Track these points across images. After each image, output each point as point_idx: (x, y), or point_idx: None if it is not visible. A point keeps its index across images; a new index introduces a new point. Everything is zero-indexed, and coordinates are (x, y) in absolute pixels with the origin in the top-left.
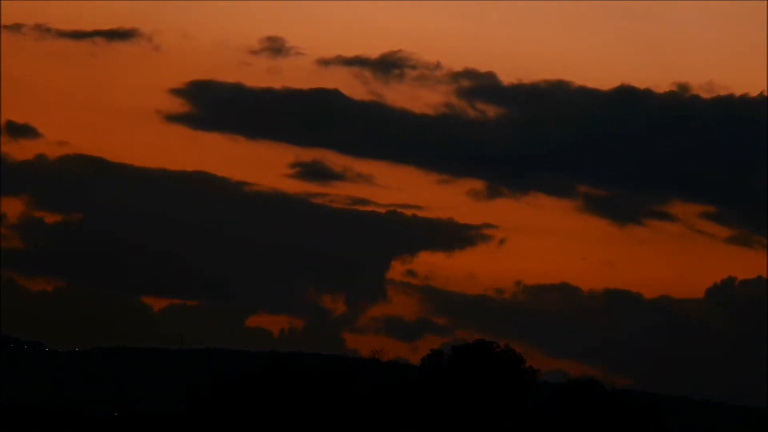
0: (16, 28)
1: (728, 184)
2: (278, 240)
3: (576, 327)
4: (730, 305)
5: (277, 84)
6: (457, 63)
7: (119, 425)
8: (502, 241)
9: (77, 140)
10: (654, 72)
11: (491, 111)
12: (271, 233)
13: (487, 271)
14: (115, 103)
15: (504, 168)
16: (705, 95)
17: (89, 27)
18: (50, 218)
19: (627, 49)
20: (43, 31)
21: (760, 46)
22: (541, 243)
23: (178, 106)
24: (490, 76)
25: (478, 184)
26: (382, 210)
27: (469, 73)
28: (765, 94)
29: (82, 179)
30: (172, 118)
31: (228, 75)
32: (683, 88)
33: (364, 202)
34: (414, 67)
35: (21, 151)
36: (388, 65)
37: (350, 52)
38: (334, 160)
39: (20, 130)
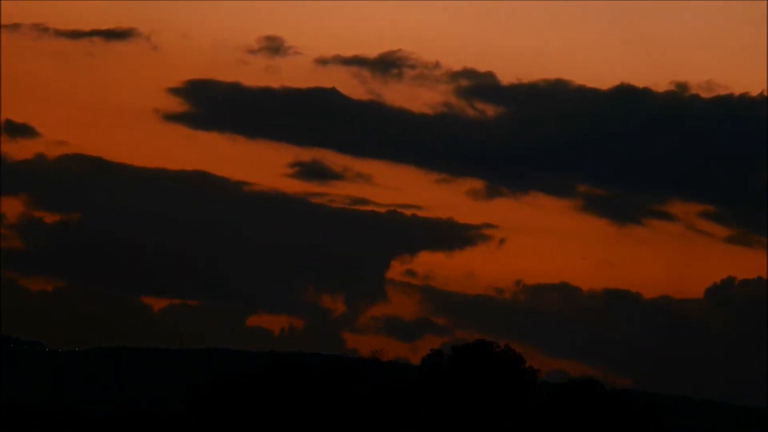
0: (15, 27)
1: (728, 184)
2: (278, 240)
3: (576, 327)
4: (730, 305)
5: (275, 83)
6: (456, 62)
7: (119, 425)
8: (502, 241)
9: (76, 140)
10: (653, 71)
11: (490, 110)
12: (271, 233)
13: (487, 271)
14: (113, 103)
15: (504, 167)
16: (704, 94)
17: (88, 27)
18: (50, 218)
19: (626, 49)
20: (41, 30)
21: (760, 46)
22: (540, 243)
23: (176, 105)
24: (490, 76)
25: (477, 184)
26: (382, 210)
27: (468, 73)
28: (765, 93)
29: (82, 179)
30: (171, 118)
31: (226, 74)
32: (682, 87)
33: (363, 201)
34: (413, 67)
35: (20, 150)
36: (387, 65)
37: (349, 52)
38: (333, 159)
39: (19, 130)
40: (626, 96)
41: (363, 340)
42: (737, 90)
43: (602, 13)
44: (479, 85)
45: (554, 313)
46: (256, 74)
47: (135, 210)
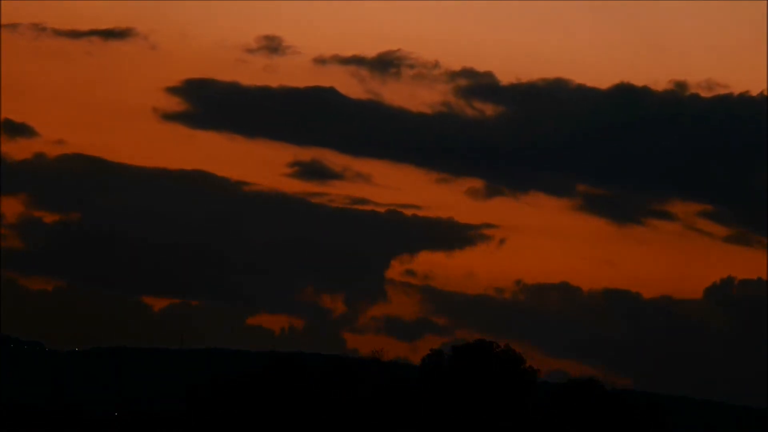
0: (13, 27)
1: (727, 183)
2: (278, 240)
3: (576, 327)
4: (730, 305)
5: (273, 83)
6: (455, 62)
7: (119, 425)
8: (502, 241)
9: (75, 139)
10: (653, 70)
11: (489, 110)
12: (271, 233)
13: (487, 271)
14: (112, 102)
15: (503, 167)
16: (704, 94)
17: (86, 26)
18: (49, 218)
19: (626, 48)
20: (39, 30)
21: (760, 45)
22: (540, 242)
23: (175, 105)
24: (489, 75)
25: (477, 183)
26: (382, 209)
27: (467, 72)
28: (765, 93)
29: (81, 178)
30: (169, 117)
31: (224, 74)
32: (682, 86)
33: (363, 201)
34: (412, 66)
35: (18, 150)
36: (386, 64)
37: (347, 52)
38: (332, 159)
39: (18, 129)
40: (626, 95)
41: (363, 340)
42: (737, 89)
43: (602, 12)
44: (478, 84)
45: (554, 313)
46: (254, 73)
47: (134, 209)
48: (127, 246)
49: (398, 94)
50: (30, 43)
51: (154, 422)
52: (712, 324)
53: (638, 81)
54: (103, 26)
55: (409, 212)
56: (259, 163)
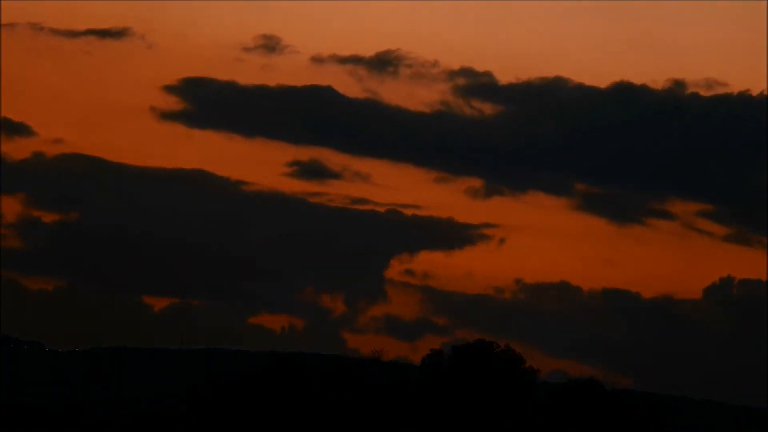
0: (11, 27)
1: (727, 183)
2: (278, 240)
3: (576, 327)
4: (729, 304)
5: (271, 82)
6: (454, 61)
7: (119, 425)
8: (501, 241)
9: (73, 138)
10: (652, 69)
11: (488, 109)
12: (271, 233)
13: (487, 271)
14: (110, 101)
15: (502, 166)
16: (704, 93)
17: (83, 26)
18: (48, 217)
19: (625, 47)
20: (37, 29)
21: (761, 44)
22: (540, 242)
23: (173, 103)
24: (487, 75)
25: (476, 183)
26: (382, 209)
27: (466, 72)
28: (765, 93)
29: (79, 178)
30: (167, 116)
31: (222, 73)
32: (682, 85)
33: (362, 201)
34: (410, 66)
35: (17, 149)
36: (384, 63)
37: (346, 51)
38: (331, 158)
39: (16, 129)
40: (625, 94)
41: (363, 340)
42: (737, 88)
43: (601, 11)
44: (477, 83)
45: (554, 313)
46: (251, 72)
47: (134, 209)
48: (127, 246)
49: (396, 93)
50: (28, 43)
51: (154, 422)
52: (712, 324)
53: (637, 80)
54: (100, 25)
55: (408, 212)
56: (258, 163)
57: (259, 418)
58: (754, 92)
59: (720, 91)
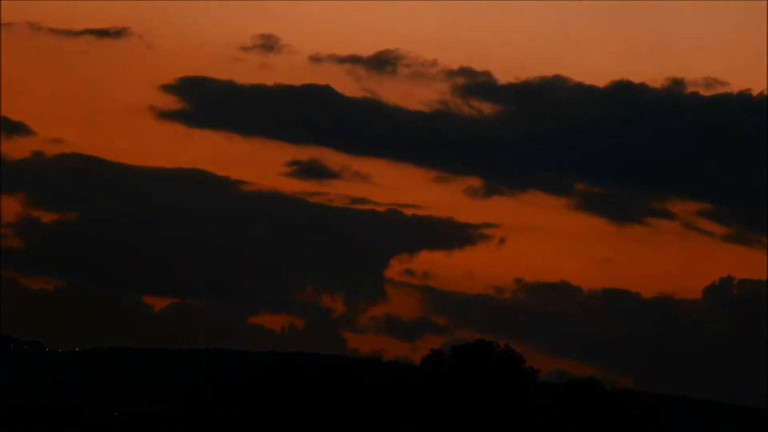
0: (9, 26)
1: (727, 182)
2: (277, 239)
3: (576, 327)
4: (729, 304)
5: (269, 81)
6: (453, 61)
7: (119, 425)
8: (501, 240)
9: (71, 138)
10: (651, 68)
11: (487, 108)
12: (271, 233)
13: (487, 271)
14: (108, 101)
15: (502, 166)
16: (704, 92)
17: (82, 25)
18: (47, 217)
19: (625, 46)
20: (36, 29)
21: (761, 43)
22: (540, 241)
23: (171, 103)
24: (486, 74)
25: (475, 182)
26: (381, 209)
27: (465, 71)
28: (765, 93)
29: (79, 177)
30: (166, 115)
31: (219, 72)
32: (681, 84)
33: (362, 201)
34: (409, 65)
35: (16, 149)
36: (382, 62)
37: (345, 51)
38: (331, 158)
39: (15, 128)
40: (625, 93)
41: (363, 340)
42: (737, 88)
43: (600, 10)
44: (476, 83)
45: (554, 313)
46: (249, 72)
47: (133, 209)
48: (127, 245)
49: (395, 92)
50: (27, 43)
51: (154, 422)
52: (712, 324)
53: (636, 79)
54: (99, 25)
55: (408, 212)
56: (257, 162)
57: (259, 418)
58: (754, 92)
59: (720, 90)
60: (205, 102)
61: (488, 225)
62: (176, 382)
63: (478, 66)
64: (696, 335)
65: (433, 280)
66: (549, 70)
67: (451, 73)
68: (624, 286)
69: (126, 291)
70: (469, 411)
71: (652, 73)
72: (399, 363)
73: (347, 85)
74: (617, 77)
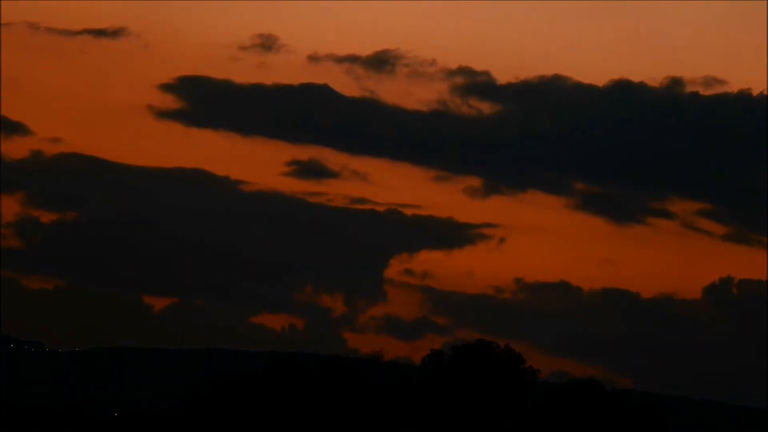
0: (8, 26)
1: (726, 182)
2: (277, 239)
3: (576, 327)
4: (729, 304)
5: (267, 81)
6: (452, 60)
7: (119, 425)
8: (501, 240)
9: (70, 137)
10: (651, 67)
11: (487, 108)
12: (270, 232)
13: (487, 270)
14: (106, 100)
15: (501, 165)
16: (703, 91)
17: (80, 25)
18: (46, 217)
19: (624, 45)
20: (34, 29)
21: (760, 43)
22: (539, 241)
23: (169, 102)
24: (485, 74)
25: (475, 182)
26: (381, 208)
27: (464, 70)
28: (765, 92)
29: (78, 177)
30: (164, 115)
31: (217, 71)
32: (681, 84)
33: (362, 200)
34: (408, 65)
35: (15, 148)
36: (381, 62)
37: (343, 50)
38: (330, 158)
39: (14, 128)
40: (624, 93)
41: (363, 340)
42: (736, 87)
43: (599, 10)
44: (475, 82)
45: (554, 313)
46: (247, 71)
47: (132, 208)
48: (127, 245)
49: (394, 92)
50: (25, 42)
51: (154, 422)
52: (712, 323)
53: (636, 78)
54: (97, 25)
55: (408, 211)
56: (256, 162)
57: (259, 418)
58: (754, 91)
59: (719, 89)
60: (204, 101)
61: (488, 225)
62: (176, 382)
63: (477, 65)
64: (696, 335)
65: (432, 279)
66: (548, 70)
67: (450, 73)
68: (624, 286)
69: (126, 291)
70: (469, 411)
71: (651, 72)
72: (399, 363)
73: (346, 84)
74: (616, 76)
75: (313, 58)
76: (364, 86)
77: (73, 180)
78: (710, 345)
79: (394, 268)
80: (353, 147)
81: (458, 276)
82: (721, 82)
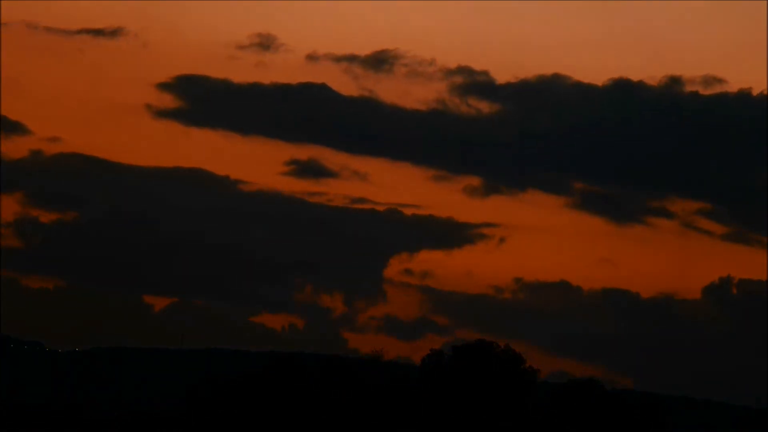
0: (6, 26)
1: (726, 182)
2: (277, 239)
3: (576, 327)
4: (728, 304)
5: (265, 80)
6: (451, 60)
7: (119, 425)
8: (501, 240)
9: (68, 137)
10: (651, 67)
11: (486, 107)
12: (270, 232)
13: (487, 270)
14: (105, 99)
15: (501, 165)
16: (703, 91)
17: (78, 25)
18: (46, 217)
19: (624, 44)
20: (32, 28)
21: (760, 42)
22: (539, 241)
23: (168, 101)
24: (484, 73)
25: (474, 181)
26: (381, 208)
27: (463, 70)
28: (765, 92)
29: (77, 176)
30: (163, 114)
31: (215, 70)
32: (681, 83)
33: (362, 200)
34: (407, 65)
35: (13, 148)
36: (380, 61)
37: (342, 50)
38: (330, 158)
39: (12, 127)
40: (624, 92)
41: (363, 340)
42: (735, 86)
43: (598, 9)
44: (475, 82)
45: (554, 313)
46: (246, 70)
47: (132, 208)
48: (127, 245)
49: (392, 91)
50: (24, 42)
51: (154, 422)
52: (712, 323)
53: (635, 77)
54: (95, 24)
55: (408, 211)
56: (255, 162)
57: (259, 418)
58: (754, 91)
59: (718, 89)
60: (202, 101)
61: (488, 224)
62: (176, 382)
63: (477, 65)
64: (696, 335)
65: (432, 279)
66: (547, 69)
67: (449, 72)
68: (623, 286)
69: (126, 291)
70: (469, 411)
71: (650, 71)
72: (399, 363)
73: (344, 84)
74: (616, 76)
75: (312, 58)
76: (362, 86)
77: (72, 180)
78: (710, 345)
79: (393, 268)
80: (352, 147)
81: (458, 276)
82: (721, 81)
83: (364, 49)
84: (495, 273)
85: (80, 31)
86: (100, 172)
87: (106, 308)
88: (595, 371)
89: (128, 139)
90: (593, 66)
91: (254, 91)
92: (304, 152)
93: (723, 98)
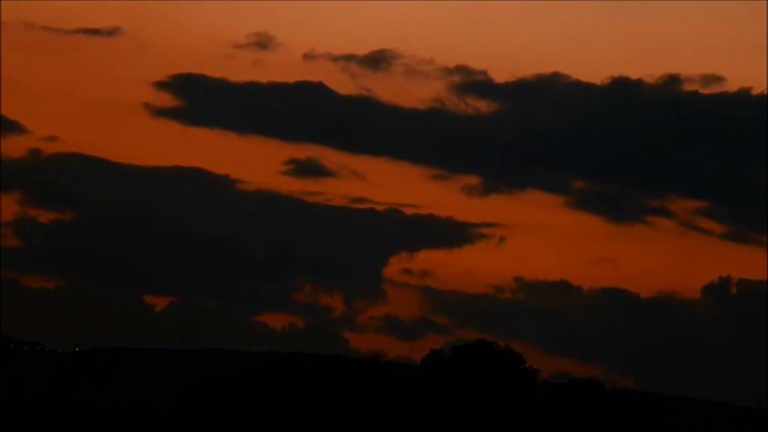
0: (3, 25)
1: (725, 181)
2: (277, 239)
3: (576, 326)
4: (728, 303)
5: (262, 79)
6: (449, 59)
7: (119, 425)
8: (501, 239)
9: (67, 136)
10: (651, 67)
11: (485, 106)
12: (270, 232)
13: (486, 270)
14: (103, 99)
15: (500, 165)
16: (702, 90)
17: (76, 24)
18: (44, 216)
19: (623, 43)
20: (29, 27)
21: (760, 41)
22: (539, 240)
23: (165, 100)
24: (483, 72)
25: (473, 180)
26: (381, 208)
27: (461, 69)
28: (765, 92)
29: (76, 176)
30: (161, 113)
31: (213, 69)
32: (680, 82)
33: (361, 200)
34: (405, 64)
35: (11, 147)
36: (378, 60)
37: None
38: (329, 157)
39: (11, 127)
40: (623, 91)
41: (363, 340)
42: (735, 85)
43: (598, 8)
44: (473, 81)
45: (554, 312)
46: (243, 69)
47: (131, 208)
48: (127, 245)
49: (391, 90)
50: (21, 41)
51: (154, 422)
52: (711, 323)
53: (634, 76)
54: (92, 24)
55: (407, 211)
56: (254, 161)
57: (259, 418)
58: (753, 90)
59: (718, 88)
60: (200, 99)
61: (487, 224)
62: (176, 382)
63: (475, 64)
64: (695, 335)
65: (432, 279)
66: (546, 68)
67: (447, 71)
68: (623, 286)
69: (126, 291)
70: (469, 411)
71: (649, 70)
72: (399, 363)
73: (342, 82)
74: (615, 74)
75: (310, 57)
76: (361, 85)
77: (71, 179)
78: (710, 345)
79: (393, 268)
80: (351, 146)
81: (458, 275)
82: (720, 80)
83: (362, 48)
84: (495, 273)
85: (78, 31)
86: (99, 172)
87: (106, 308)
88: (595, 371)
89: (127, 138)
90: (592, 65)
91: (252, 90)
92: (302, 151)
93: (722, 97)
